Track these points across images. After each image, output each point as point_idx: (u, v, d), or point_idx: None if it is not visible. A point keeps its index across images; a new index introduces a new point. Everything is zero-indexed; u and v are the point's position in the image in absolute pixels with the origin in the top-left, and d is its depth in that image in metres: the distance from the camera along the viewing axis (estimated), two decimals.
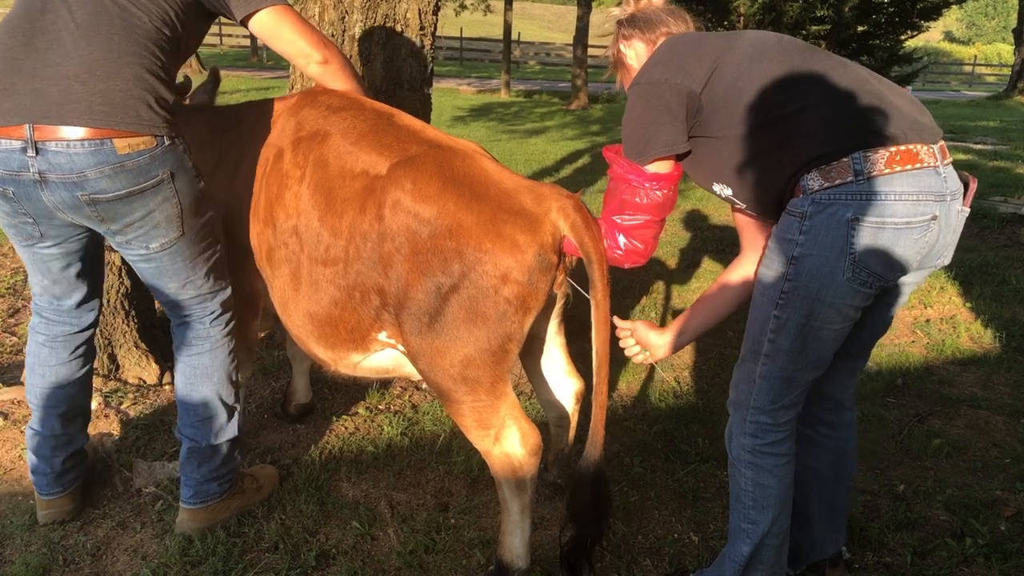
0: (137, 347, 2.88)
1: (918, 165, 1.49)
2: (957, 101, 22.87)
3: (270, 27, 1.97)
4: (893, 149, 1.49)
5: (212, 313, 2.09)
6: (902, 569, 2.06)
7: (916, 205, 1.49)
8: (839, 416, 1.87)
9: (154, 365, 2.91)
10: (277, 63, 23.90)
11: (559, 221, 1.81)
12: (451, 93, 18.49)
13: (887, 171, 1.48)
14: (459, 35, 30.37)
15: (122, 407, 2.69)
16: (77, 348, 2.11)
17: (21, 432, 2.51)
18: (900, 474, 2.53)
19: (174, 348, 2.13)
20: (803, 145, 1.53)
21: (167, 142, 1.79)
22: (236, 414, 2.19)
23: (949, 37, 67.59)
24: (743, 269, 1.81)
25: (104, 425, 2.55)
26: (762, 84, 1.57)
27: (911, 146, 1.50)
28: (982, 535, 2.20)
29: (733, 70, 1.59)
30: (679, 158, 1.73)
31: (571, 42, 19.28)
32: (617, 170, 1.76)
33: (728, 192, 1.72)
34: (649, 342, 1.91)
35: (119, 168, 1.72)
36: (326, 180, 2.00)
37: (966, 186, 1.60)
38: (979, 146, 11.26)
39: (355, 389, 2.94)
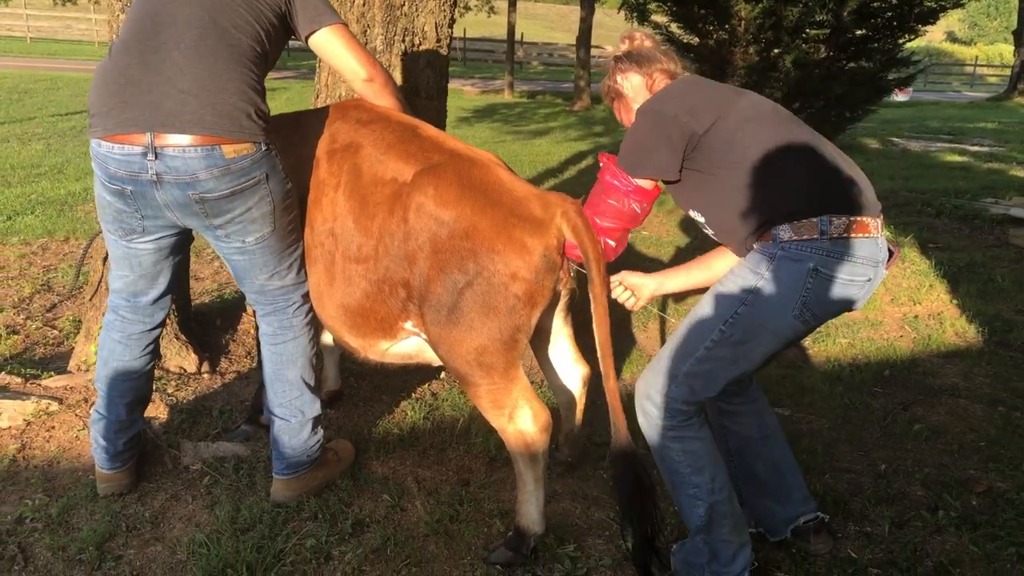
0: (178, 338, 3.11)
1: (867, 234, 1.80)
2: (957, 102, 23.06)
3: (327, 44, 2.20)
4: (853, 218, 1.79)
5: (294, 304, 2.31)
6: (880, 537, 2.28)
7: (861, 267, 1.81)
8: (741, 385, 2.09)
9: (193, 355, 3.14)
10: (281, 64, 24.12)
11: (563, 225, 2.04)
12: (455, 94, 18.63)
13: (846, 236, 1.78)
14: (463, 36, 30.59)
15: (167, 392, 2.92)
16: (148, 345, 2.33)
17: (76, 415, 2.73)
18: (882, 455, 2.75)
19: (259, 337, 2.35)
20: (781, 199, 1.82)
21: (264, 148, 2.02)
22: (317, 393, 2.41)
23: (951, 37, 67.69)
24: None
25: (152, 410, 2.77)
26: (754, 141, 1.85)
27: (864, 218, 1.81)
28: (955, 508, 2.42)
29: (733, 124, 1.87)
30: (664, 182, 1.99)
31: (574, 42, 19.48)
32: (607, 176, 2.02)
33: (702, 219, 2.00)
34: (634, 284, 2.13)
35: (226, 171, 1.96)
36: (360, 187, 2.22)
37: (891, 253, 1.89)
38: (975, 148, 11.46)
39: (379, 377, 3.16)
